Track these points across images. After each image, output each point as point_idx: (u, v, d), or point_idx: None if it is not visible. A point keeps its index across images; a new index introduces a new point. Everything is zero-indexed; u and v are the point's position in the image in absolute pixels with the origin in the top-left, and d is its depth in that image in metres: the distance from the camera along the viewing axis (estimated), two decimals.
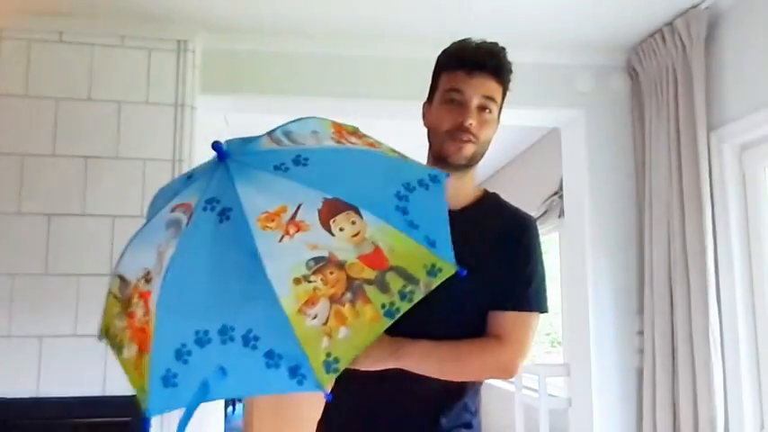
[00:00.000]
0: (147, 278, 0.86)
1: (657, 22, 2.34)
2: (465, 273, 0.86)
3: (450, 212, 0.94)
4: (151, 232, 0.90)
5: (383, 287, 0.84)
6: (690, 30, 2.20)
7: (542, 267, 1.16)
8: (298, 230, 0.83)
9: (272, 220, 0.82)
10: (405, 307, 0.85)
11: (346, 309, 0.82)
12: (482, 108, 1.13)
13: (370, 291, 0.83)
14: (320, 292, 0.82)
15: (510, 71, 1.18)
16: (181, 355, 0.80)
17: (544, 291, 1.15)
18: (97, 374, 2.13)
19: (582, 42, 2.52)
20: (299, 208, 0.83)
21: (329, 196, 0.85)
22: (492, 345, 1.09)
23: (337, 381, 0.95)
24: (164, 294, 0.81)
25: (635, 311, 2.50)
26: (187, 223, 0.84)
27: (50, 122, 2.23)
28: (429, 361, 1.04)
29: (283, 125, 0.96)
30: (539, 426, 2.98)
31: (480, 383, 1.18)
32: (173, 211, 0.88)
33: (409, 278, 0.85)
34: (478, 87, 1.12)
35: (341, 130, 0.99)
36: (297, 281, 0.81)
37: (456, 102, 1.12)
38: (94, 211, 2.21)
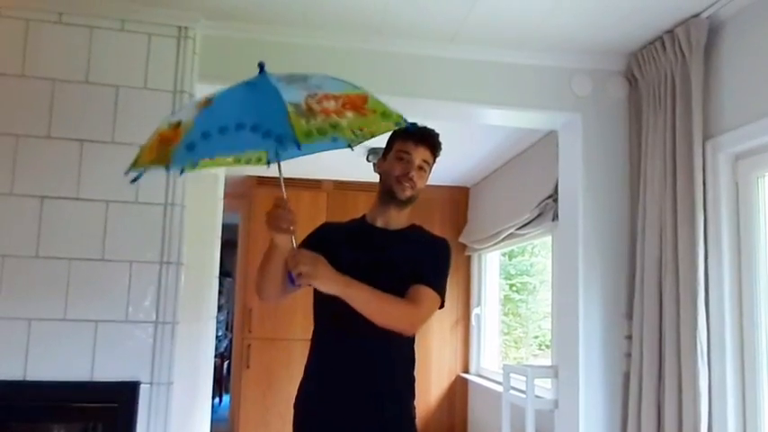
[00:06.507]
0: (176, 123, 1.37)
1: (658, 30, 2.35)
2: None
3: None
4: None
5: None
6: (690, 38, 2.21)
7: (446, 273, 1.68)
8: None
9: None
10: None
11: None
12: (420, 167, 1.66)
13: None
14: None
15: (439, 148, 1.70)
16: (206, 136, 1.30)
17: (444, 286, 1.64)
18: (85, 359, 2.12)
19: (582, 46, 2.53)
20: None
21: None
22: (409, 304, 1.55)
23: (311, 357, 1.66)
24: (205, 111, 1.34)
25: (624, 316, 2.52)
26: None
27: (46, 104, 2.21)
28: (365, 295, 1.47)
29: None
30: (525, 426, 3.00)
31: (412, 359, 1.68)
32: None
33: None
34: (420, 154, 1.66)
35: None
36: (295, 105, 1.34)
37: (405, 159, 1.65)
38: (88, 195, 2.20)
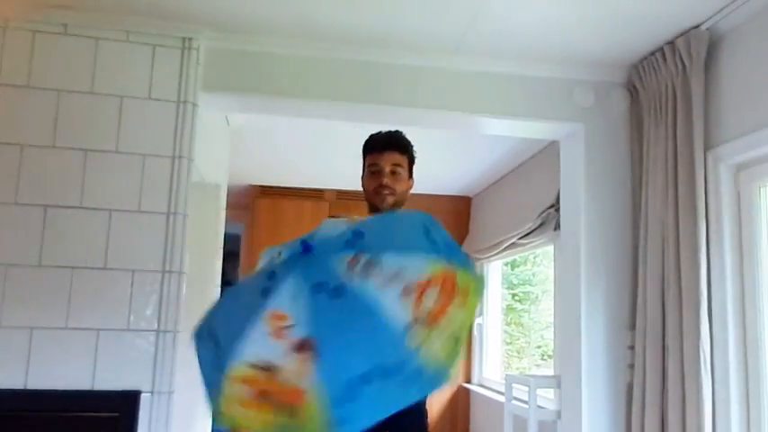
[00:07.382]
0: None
1: (659, 41, 2.37)
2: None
3: None
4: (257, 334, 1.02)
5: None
6: (690, 49, 2.22)
7: None
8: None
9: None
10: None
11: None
12: (392, 172, 1.66)
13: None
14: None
15: (407, 145, 1.71)
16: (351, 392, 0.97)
17: None
18: (87, 368, 2.12)
19: (584, 57, 2.55)
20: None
21: None
22: None
23: None
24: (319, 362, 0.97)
25: (627, 326, 2.51)
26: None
27: (51, 114, 2.23)
28: None
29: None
30: None
31: None
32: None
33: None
34: (388, 160, 1.67)
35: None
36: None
37: (376, 171, 1.67)
38: (92, 204, 2.21)
